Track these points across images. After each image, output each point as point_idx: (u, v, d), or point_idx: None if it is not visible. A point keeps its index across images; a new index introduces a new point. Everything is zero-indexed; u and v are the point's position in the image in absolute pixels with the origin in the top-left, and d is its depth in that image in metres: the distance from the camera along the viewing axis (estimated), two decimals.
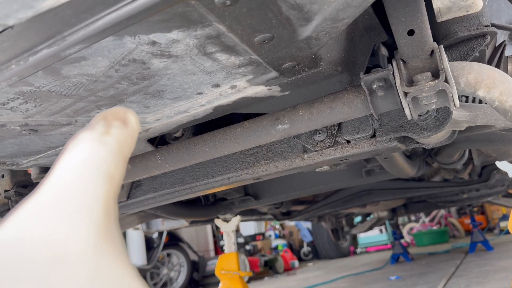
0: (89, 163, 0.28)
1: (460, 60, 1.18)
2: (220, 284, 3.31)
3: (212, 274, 6.97)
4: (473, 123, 1.25)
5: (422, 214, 8.94)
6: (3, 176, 1.71)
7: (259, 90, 1.17)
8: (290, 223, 9.98)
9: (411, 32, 1.01)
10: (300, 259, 9.10)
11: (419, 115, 1.17)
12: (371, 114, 1.11)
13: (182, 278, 6.67)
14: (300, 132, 1.18)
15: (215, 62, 0.97)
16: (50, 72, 0.88)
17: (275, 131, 1.19)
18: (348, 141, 1.29)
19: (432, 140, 1.32)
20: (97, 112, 1.14)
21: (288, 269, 7.77)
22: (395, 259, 5.81)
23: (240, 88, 1.14)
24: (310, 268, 7.76)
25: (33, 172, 1.87)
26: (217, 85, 1.11)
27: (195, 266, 7.02)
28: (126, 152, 0.31)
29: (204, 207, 2.42)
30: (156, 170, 1.40)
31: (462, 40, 1.18)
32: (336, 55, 1.08)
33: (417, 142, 1.34)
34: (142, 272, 5.91)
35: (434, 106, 1.00)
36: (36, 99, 1.01)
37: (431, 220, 8.72)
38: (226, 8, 0.74)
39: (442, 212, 8.75)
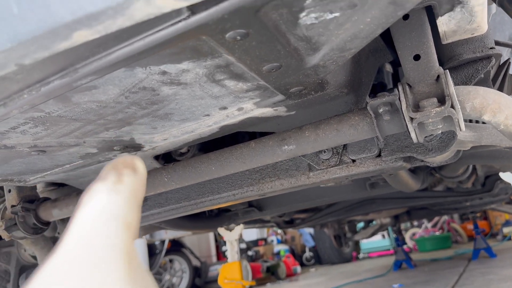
0: (106, 214, 0.28)
1: (466, 82, 1.18)
2: None
3: (214, 280, 6.98)
4: (478, 143, 1.25)
5: (424, 220, 8.92)
6: (10, 191, 1.72)
7: (265, 111, 1.18)
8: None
9: (417, 57, 1.02)
10: (302, 264, 9.09)
11: (425, 137, 1.18)
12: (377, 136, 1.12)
13: (184, 284, 6.66)
14: (306, 153, 1.19)
15: (223, 88, 0.98)
16: (61, 100, 0.89)
17: (281, 151, 1.20)
18: (353, 160, 1.30)
19: (437, 159, 1.32)
20: (105, 133, 1.15)
21: (291, 274, 7.76)
22: (398, 265, 5.80)
23: (247, 110, 1.15)
24: (313, 274, 7.75)
25: (39, 186, 1.88)
26: (224, 108, 1.12)
27: (197, 272, 7.02)
28: (139, 197, 0.32)
29: (208, 219, 2.43)
30: (162, 188, 1.41)
31: (467, 62, 1.19)
32: (342, 78, 1.09)
33: (422, 161, 1.35)
34: None
35: (440, 131, 1.01)
36: (46, 124, 1.02)
37: (434, 226, 8.71)
38: (236, 42, 0.75)
39: (445, 217, 8.74)
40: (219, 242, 9.14)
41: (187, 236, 7.81)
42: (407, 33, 1.02)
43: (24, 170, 1.38)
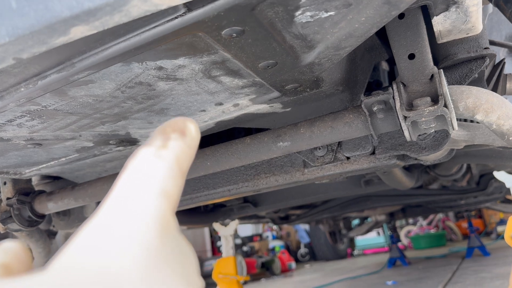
0: (144, 181, 0.27)
1: (460, 82, 1.20)
2: None
3: (209, 275, 7.00)
4: (471, 142, 1.27)
5: (419, 217, 8.97)
6: (5, 183, 1.72)
7: (261, 107, 1.19)
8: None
9: (411, 56, 1.03)
10: (297, 261, 9.12)
11: (418, 135, 1.19)
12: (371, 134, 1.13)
13: None
14: (301, 149, 1.20)
15: (219, 84, 0.99)
16: (58, 94, 0.89)
17: (276, 148, 1.21)
18: (348, 158, 1.31)
19: (431, 157, 1.34)
20: (101, 127, 1.16)
21: (285, 270, 7.79)
22: (392, 263, 5.83)
23: (243, 106, 1.16)
24: (307, 270, 7.79)
25: (34, 179, 1.88)
26: (220, 104, 1.13)
27: None
28: (185, 164, 0.30)
29: (203, 214, 2.45)
30: None
31: (461, 61, 1.20)
32: (337, 76, 1.10)
33: (416, 159, 1.36)
34: None
35: (432, 130, 1.02)
36: (42, 117, 1.02)
37: (429, 224, 8.75)
38: (232, 39, 0.76)
39: (440, 215, 8.79)
40: (214, 238, 9.16)
41: (183, 231, 7.82)
42: (402, 32, 1.02)
43: (20, 162, 1.39)
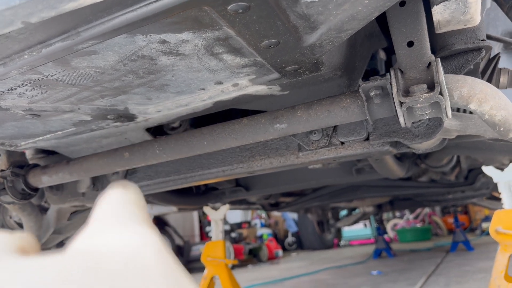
0: (123, 200, 0.30)
1: (455, 72, 1.22)
2: (206, 271, 3.36)
3: (197, 259, 7.04)
4: (463, 132, 1.29)
5: (406, 211, 9.08)
6: None
7: (259, 89, 1.20)
8: (276, 213, 10.07)
9: (410, 44, 1.05)
10: (284, 249, 9.21)
11: (412, 123, 1.21)
12: (367, 119, 1.15)
13: None
14: (297, 132, 1.22)
15: (220, 62, 1.00)
16: (61, 63, 0.90)
17: (273, 129, 1.23)
18: (342, 143, 1.33)
19: (423, 146, 1.36)
20: (100, 101, 1.17)
21: (272, 258, 7.86)
22: (377, 254, 5.92)
23: (242, 86, 1.17)
24: (294, 258, 7.87)
25: (29, 153, 1.89)
26: (220, 83, 1.14)
27: (180, 251, 7.08)
28: (143, 201, 0.33)
29: (195, 196, 2.47)
30: (154, 160, 1.43)
31: (458, 52, 1.22)
32: (337, 60, 1.12)
33: (408, 147, 1.39)
34: None
35: (427, 117, 1.04)
36: (43, 87, 1.03)
37: (415, 218, 8.87)
38: (237, 15, 0.77)
39: (427, 210, 8.91)
40: (203, 223, 9.20)
41: (171, 215, 7.86)
42: (402, 19, 1.04)
43: (16, 134, 1.39)
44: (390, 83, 1.05)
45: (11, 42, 0.78)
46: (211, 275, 3.32)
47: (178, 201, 2.30)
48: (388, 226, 8.91)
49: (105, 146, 1.64)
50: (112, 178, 1.73)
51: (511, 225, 2.49)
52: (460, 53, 1.23)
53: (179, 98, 1.22)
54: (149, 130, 1.54)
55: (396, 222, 9.08)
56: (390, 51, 1.60)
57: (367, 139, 1.30)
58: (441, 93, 0.99)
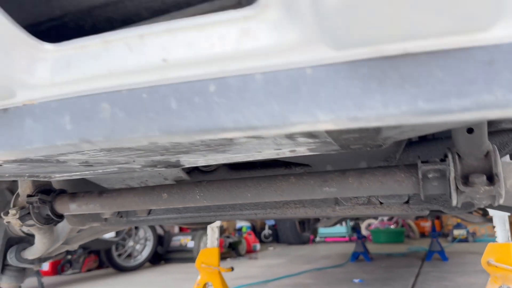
0: None
1: (499, 149, 1.27)
2: (199, 277, 3.40)
3: (176, 250, 7.08)
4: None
5: None
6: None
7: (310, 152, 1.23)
8: None
9: (470, 130, 1.09)
10: (260, 241, 9.34)
11: None
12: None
13: (147, 252, 6.73)
14: (345, 196, 1.25)
15: (291, 141, 1.02)
16: None
17: (321, 191, 1.25)
18: (381, 203, 1.38)
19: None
20: (158, 157, 1.17)
21: (250, 251, 7.98)
22: (355, 257, 6.09)
23: (298, 152, 1.19)
24: (271, 253, 8.00)
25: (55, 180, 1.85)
26: (279, 149, 1.16)
27: (160, 241, 7.09)
28: None
29: None
30: (192, 203, 1.44)
31: (503, 130, 1.27)
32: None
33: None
34: (109, 244, 5.93)
35: (482, 206, 1.09)
36: (111, 151, 1.02)
37: (390, 219, 9.12)
38: None
39: None
40: None
41: None
42: None
43: (56, 171, 1.38)
44: (449, 166, 1.09)
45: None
46: (204, 282, 3.37)
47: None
48: (363, 226, 9.14)
49: (136, 178, 1.63)
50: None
51: (502, 259, 2.62)
52: (505, 130, 1.28)
53: (232, 156, 1.23)
54: (184, 168, 1.55)
55: (371, 222, 9.31)
56: None
57: (407, 202, 1.35)
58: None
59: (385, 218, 9.21)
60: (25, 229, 2.21)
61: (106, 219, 1.82)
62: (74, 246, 2.39)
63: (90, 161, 1.15)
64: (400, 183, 1.16)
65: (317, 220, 7.11)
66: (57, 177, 1.47)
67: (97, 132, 0.63)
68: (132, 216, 1.77)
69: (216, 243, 3.43)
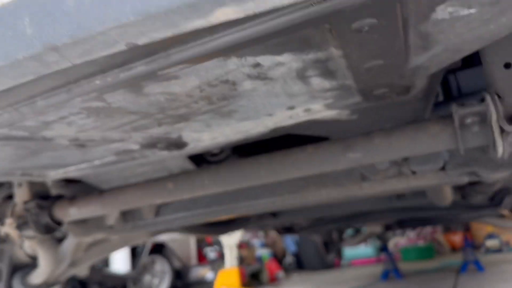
0: None
1: None
2: None
3: (195, 282, 6.85)
4: None
5: (407, 229, 8.96)
6: (20, 185, 1.57)
7: (330, 114, 1.09)
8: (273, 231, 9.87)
9: (508, 65, 0.94)
10: (283, 268, 9.00)
11: None
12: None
13: (164, 285, 6.50)
14: (372, 161, 1.10)
15: (304, 86, 0.88)
16: (132, 90, 0.77)
17: (344, 159, 1.11)
18: (413, 172, 1.22)
19: (497, 175, 1.25)
20: (156, 129, 1.04)
21: (273, 279, 7.66)
22: (386, 275, 5.78)
23: (314, 111, 1.05)
24: (296, 280, 7.67)
25: (50, 181, 1.74)
26: (292, 108, 1.02)
27: (179, 274, 6.87)
28: None
29: (220, 224, 2.32)
30: (202, 191, 1.30)
31: None
32: (424, 82, 1.00)
33: (479, 176, 1.27)
34: (124, 279, 5.74)
35: None
36: (99, 115, 0.90)
37: (417, 235, 8.75)
38: (357, 34, 0.65)
39: (428, 227, 8.80)
40: (201, 244, 8.97)
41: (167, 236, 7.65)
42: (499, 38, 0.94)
43: (49, 164, 1.25)
44: (489, 109, 0.94)
45: (88, 65, 0.65)
46: None
47: (204, 230, 2.15)
48: (390, 245, 8.78)
49: (139, 175, 1.50)
50: (145, 209, 1.58)
51: None
52: None
53: (240, 124, 1.09)
54: (189, 157, 1.41)
55: (397, 241, 8.94)
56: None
57: (443, 168, 1.18)
58: None
59: (412, 235, 8.85)
60: (29, 250, 2.08)
61: (111, 227, 1.67)
62: (82, 270, 2.23)
63: (81, 137, 1.02)
64: (435, 137, 1.01)
65: (340, 239, 6.85)
66: (52, 175, 1.35)
67: (61, 31, 0.51)
68: (138, 219, 1.62)
69: (235, 262, 3.24)
